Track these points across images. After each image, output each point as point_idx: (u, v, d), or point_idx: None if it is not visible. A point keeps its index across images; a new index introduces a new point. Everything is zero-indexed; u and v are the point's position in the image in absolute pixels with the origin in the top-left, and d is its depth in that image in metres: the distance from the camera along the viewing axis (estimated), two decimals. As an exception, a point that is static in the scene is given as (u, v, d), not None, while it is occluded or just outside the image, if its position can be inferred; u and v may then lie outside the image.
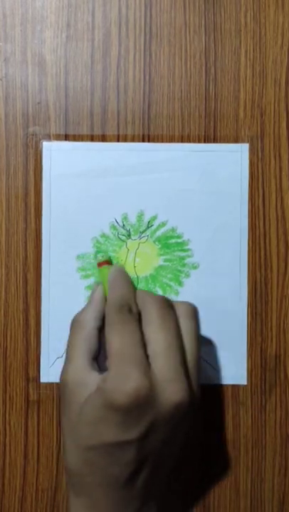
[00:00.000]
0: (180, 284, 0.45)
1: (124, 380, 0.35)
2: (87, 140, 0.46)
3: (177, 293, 0.45)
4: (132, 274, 0.45)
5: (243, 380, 0.45)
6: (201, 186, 0.46)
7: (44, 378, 0.45)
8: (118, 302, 0.38)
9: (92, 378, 0.37)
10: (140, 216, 0.46)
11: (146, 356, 0.36)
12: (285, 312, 0.46)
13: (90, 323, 0.39)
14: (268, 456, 0.46)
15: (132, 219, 0.45)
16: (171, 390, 0.35)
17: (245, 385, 0.46)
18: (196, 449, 0.45)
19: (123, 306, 0.38)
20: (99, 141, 0.46)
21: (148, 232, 0.46)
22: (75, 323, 0.40)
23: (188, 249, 0.46)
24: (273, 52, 0.46)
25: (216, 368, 0.45)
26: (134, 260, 0.45)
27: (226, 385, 0.46)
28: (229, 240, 0.46)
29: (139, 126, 0.46)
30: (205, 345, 0.45)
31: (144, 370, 0.35)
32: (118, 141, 0.46)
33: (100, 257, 0.41)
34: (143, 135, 0.46)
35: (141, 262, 0.45)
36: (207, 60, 0.46)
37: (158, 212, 0.46)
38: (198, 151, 0.46)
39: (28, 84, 0.46)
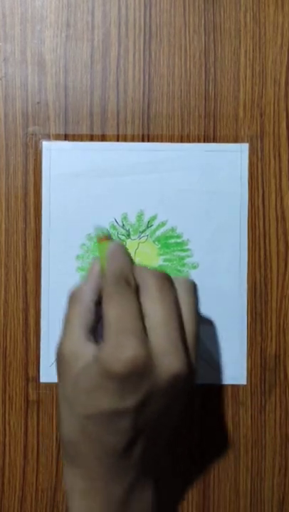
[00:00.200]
0: (180, 283, 0.45)
1: (121, 349, 0.34)
2: (86, 140, 0.46)
3: (177, 293, 0.45)
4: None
5: (242, 380, 0.45)
6: (200, 186, 0.46)
7: (44, 378, 0.45)
8: (116, 274, 0.37)
9: (88, 350, 0.37)
10: (140, 216, 0.46)
11: (144, 328, 0.36)
12: (285, 312, 0.46)
13: (87, 297, 0.39)
14: (267, 456, 0.46)
15: (132, 219, 0.45)
16: (169, 361, 0.35)
17: (244, 385, 0.46)
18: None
19: (121, 278, 0.37)
20: (99, 140, 0.46)
21: (148, 232, 0.46)
22: (72, 297, 0.39)
23: (187, 249, 0.46)
24: (273, 52, 0.46)
25: (216, 368, 0.45)
26: (134, 260, 0.45)
27: (226, 385, 0.46)
28: (229, 240, 0.46)
29: (138, 126, 0.46)
30: (205, 342, 0.45)
31: (141, 340, 0.35)
32: (118, 140, 0.46)
33: (100, 233, 0.40)
34: (143, 135, 0.46)
35: (141, 261, 0.45)
36: (207, 60, 0.46)
37: (158, 212, 0.46)
38: (198, 151, 0.46)
39: (27, 84, 0.46)
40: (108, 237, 0.40)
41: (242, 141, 0.46)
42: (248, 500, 0.46)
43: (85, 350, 0.37)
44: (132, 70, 0.46)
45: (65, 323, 0.38)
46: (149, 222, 0.46)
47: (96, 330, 0.39)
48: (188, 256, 0.46)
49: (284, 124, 0.46)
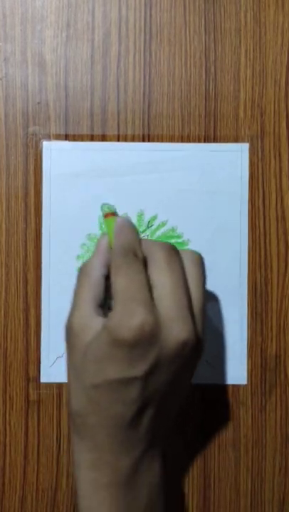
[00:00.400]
0: (180, 283, 0.45)
1: (129, 317, 0.35)
2: (87, 140, 0.46)
3: (177, 293, 0.45)
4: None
5: (243, 380, 0.45)
6: (201, 186, 0.46)
7: (44, 378, 0.45)
8: (124, 247, 0.38)
9: (97, 322, 0.37)
10: (140, 216, 0.46)
11: (152, 299, 0.36)
12: (285, 312, 0.46)
13: (96, 271, 0.39)
14: (268, 456, 0.46)
15: (132, 219, 0.45)
16: (177, 329, 0.35)
17: (245, 385, 0.46)
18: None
19: (129, 251, 0.38)
20: (99, 140, 0.46)
21: (148, 232, 0.46)
22: (81, 272, 0.39)
23: (188, 249, 0.46)
24: (273, 52, 0.46)
25: (216, 368, 0.45)
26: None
27: (226, 385, 0.46)
28: (229, 240, 0.46)
29: (139, 126, 0.46)
30: (206, 342, 0.45)
31: (149, 308, 0.35)
32: (118, 140, 0.46)
33: (106, 209, 0.40)
34: (143, 135, 0.46)
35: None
36: (207, 59, 0.46)
37: (158, 212, 0.46)
38: (198, 151, 0.46)
39: (28, 84, 0.46)
40: (114, 213, 0.41)
41: (242, 141, 0.46)
42: (249, 500, 0.46)
43: (93, 323, 0.37)
44: (132, 70, 0.46)
45: (75, 297, 0.39)
46: (149, 222, 0.46)
47: (105, 304, 0.39)
48: (188, 256, 0.46)
49: (284, 124, 0.46)
